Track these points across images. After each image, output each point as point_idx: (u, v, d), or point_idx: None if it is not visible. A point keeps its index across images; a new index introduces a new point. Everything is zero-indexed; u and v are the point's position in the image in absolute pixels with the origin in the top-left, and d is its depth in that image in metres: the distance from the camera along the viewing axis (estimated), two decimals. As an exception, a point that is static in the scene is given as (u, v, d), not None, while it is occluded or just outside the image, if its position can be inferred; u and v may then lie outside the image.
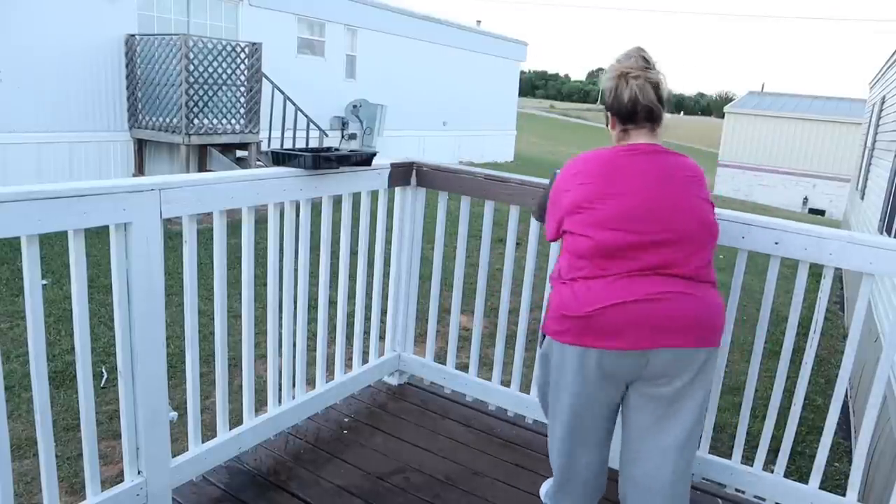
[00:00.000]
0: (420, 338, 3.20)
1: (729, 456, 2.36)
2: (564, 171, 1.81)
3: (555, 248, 2.56)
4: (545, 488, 2.21)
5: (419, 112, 16.50)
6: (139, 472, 1.94)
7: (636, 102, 1.71)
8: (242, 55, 9.47)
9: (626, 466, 1.86)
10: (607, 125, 1.82)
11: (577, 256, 1.73)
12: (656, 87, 1.72)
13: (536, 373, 1.97)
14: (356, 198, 2.61)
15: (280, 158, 2.26)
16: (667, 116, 1.77)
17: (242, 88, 9.63)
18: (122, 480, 1.93)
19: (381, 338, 2.99)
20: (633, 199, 1.68)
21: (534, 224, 2.57)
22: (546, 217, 1.89)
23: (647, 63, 1.73)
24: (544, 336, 1.85)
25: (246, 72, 9.57)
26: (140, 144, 10.01)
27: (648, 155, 1.73)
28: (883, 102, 10.73)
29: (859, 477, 2.13)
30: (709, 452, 2.38)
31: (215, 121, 9.37)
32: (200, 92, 8.96)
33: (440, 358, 3.01)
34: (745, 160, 25.39)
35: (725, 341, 2.18)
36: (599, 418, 1.82)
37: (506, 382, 2.80)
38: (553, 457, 1.94)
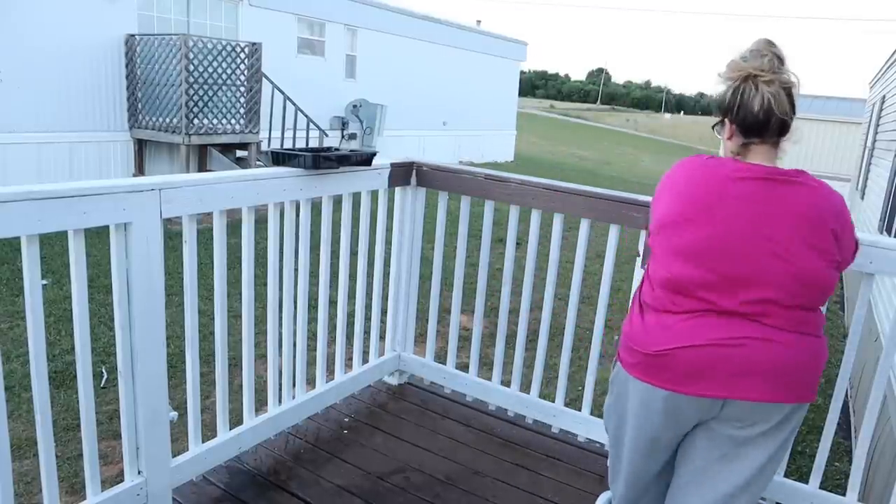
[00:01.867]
0: (420, 338, 3.20)
1: (729, 456, 2.35)
2: (666, 174, 1.59)
3: (555, 247, 2.57)
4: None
5: (419, 112, 16.50)
6: (139, 472, 1.94)
7: (770, 113, 1.44)
8: (242, 55, 9.47)
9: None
10: (719, 132, 1.57)
11: (653, 284, 1.56)
12: (790, 93, 1.45)
13: (609, 399, 1.77)
14: (356, 198, 2.61)
15: (280, 158, 2.26)
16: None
17: (242, 88, 9.63)
18: (122, 480, 1.93)
19: (382, 338, 2.99)
20: (724, 231, 1.43)
21: (534, 224, 2.57)
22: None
23: (780, 63, 1.45)
24: (617, 360, 1.68)
25: (246, 72, 9.57)
26: (140, 144, 10.01)
27: (762, 182, 1.45)
28: (883, 102, 10.73)
29: (859, 477, 2.13)
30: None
31: (215, 121, 9.37)
32: (200, 92, 8.96)
33: (440, 358, 3.01)
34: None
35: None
36: (664, 452, 1.65)
37: (506, 382, 2.80)
38: (618, 487, 1.78)
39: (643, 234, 2.32)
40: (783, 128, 1.47)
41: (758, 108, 1.44)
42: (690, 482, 1.62)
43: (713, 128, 1.59)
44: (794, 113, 1.46)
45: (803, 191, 1.45)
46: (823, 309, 1.61)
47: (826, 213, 1.45)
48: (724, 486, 1.57)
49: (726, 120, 1.52)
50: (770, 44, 1.48)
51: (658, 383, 1.52)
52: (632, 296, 1.73)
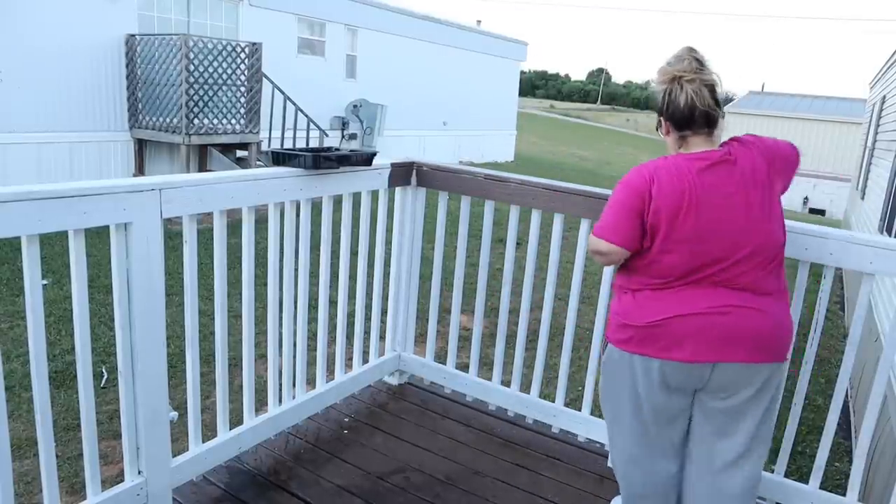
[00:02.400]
0: (420, 338, 3.20)
1: (729, 456, 2.35)
2: (639, 177, 1.69)
3: (555, 247, 2.57)
4: None
5: (419, 112, 16.50)
6: (139, 472, 1.94)
7: (693, 108, 1.64)
8: (242, 55, 9.47)
9: (687, 488, 1.81)
10: (658, 130, 1.76)
11: (648, 273, 1.70)
12: (712, 89, 1.65)
13: (601, 382, 1.89)
14: (356, 198, 2.61)
15: (280, 158, 2.26)
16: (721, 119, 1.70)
17: (242, 88, 9.63)
18: (122, 480, 1.93)
19: (382, 338, 2.99)
20: (708, 218, 1.61)
21: (534, 224, 2.57)
22: (610, 218, 1.73)
23: (700, 64, 1.65)
24: (606, 344, 1.82)
25: (246, 72, 9.57)
26: (140, 144, 10.01)
27: (721, 165, 1.64)
28: (883, 102, 10.73)
29: (859, 477, 2.13)
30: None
31: (215, 121, 9.37)
32: (200, 92, 8.96)
33: (440, 358, 3.01)
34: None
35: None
36: (666, 427, 1.77)
37: (506, 382, 2.80)
38: (620, 469, 1.89)
39: None
40: (709, 119, 1.66)
41: (683, 104, 1.64)
42: (695, 462, 1.78)
43: (657, 129, 1.78)
44: (718, 106, 1.66)
45: (751, 153, 1.66)
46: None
47: (776, 157, 1.68)
48: (725, 456, 1.72)
49: (662, 119, 1.72)
50: (691, 50, 1.68)
51: (650, 352, 1.68)
52: (612, 283, 1.89)
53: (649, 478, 1.82)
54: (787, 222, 2.08)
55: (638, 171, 1.70)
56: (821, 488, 2.18)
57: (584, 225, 2.46)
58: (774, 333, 1.67)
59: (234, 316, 2.25)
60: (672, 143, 1.73)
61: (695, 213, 1.61)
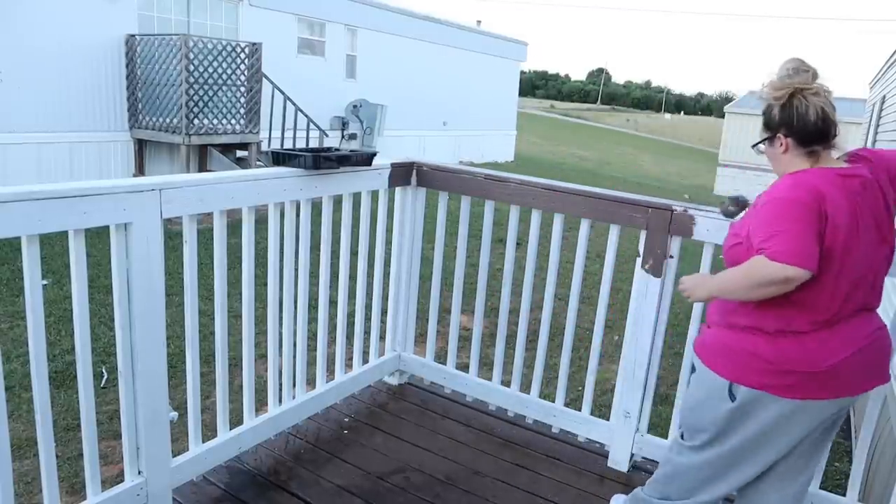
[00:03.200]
0: (420, 338, 3.20)
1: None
2: (808, 194, 1.53)
3: (555, 247, 2.56)
4: None
5: (419, 112, 16.50)
6: (139, 472, 1.94)
7: (827, 120, 1.58)
8: (242, 55, 9.47)
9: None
10: (763, 149, 1.69)
11: (816, 307, 1.58)
12: (831, 101, 1.60)
13: (720, 427, 1.73)
14: (356, 198, 2.61)
15: (280, 158, 2.27)
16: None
17: (242, 88, 9.63)
18: (122, 480, 1.93)
19: (382, 338, 2.99)
20: (865, 239, 1.57)
21: (534, 224, 2.57)
22: (794, 240, 1.50)
23: (817, 78, 1.59)
24: (735, 390, 1.66)
25: (246, 72, 9.57)
26: (140, 144, 10.01)
27: (870, 183, 1.59)
28: (883, 102, 10.74)
29: (859, 477, 2.13)
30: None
31: (215, 121, 9.37)
32: (200, 92, 8.96)
33: (440, 358, 3.01)
34: (745, 160, 25.36)
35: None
36: (771, 455, 1.73)
37: (506, 382, 2.80)
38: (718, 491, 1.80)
39: (643, 234, 2.32)
40: (836, 133, 1.61)
41: (815, 118, 1.57)
42: (777, 476, 1.76)
43: (754, 146, 1.68)
44: (836, 125, 1.61)
45: (868, 169, 1.62)
46: None
47: (886, 184, 1.63)
48: (805, 476, 1.77)
49: (780, 135, 1.63)
50: (803, 62, 1.60)
51: (820, 394, 1.60)
52: (728, 322, 1.72)
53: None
54: None
55: (800, 186, 1.55)
56: (821, 488, 2.18)
57: (584, 225, 2.46)
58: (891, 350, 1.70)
59: (234, 316, 2.25)
60: (792, 160, 1.62)
61: (861, 233, 1.55)
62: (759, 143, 1.68)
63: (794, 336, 1.60)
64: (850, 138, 1.70)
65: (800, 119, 1.58)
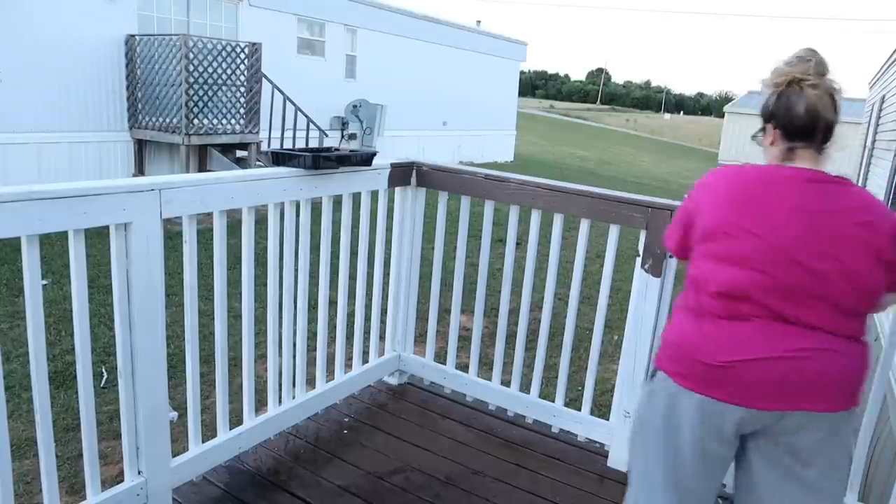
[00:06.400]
0: (420, 338, 3.20)
1: (729, 456, 2.35)
2: (700, 182, 1.56)
3: (555, 247, 2.57)
4: None
5: (419, 112, 16.50)
6: (139, 472, 1.94)
7: (815, 116, 1.44)
8: (242, 55, 9.47)
9: None
10: (756, 138, 1.57)
11: (705, 292, 1.50)
12: (834, 98, 1.44)
13: (639, 410, 1.66)
14: (356, 198, 2.61)
15: (280, 158, 2.26)
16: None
17: (242, 88, 9.63)
18: (122, 480, 1.93)
19: (382, 338, 2.99)
20: (778, 236, 1.42)
21: (534, 224, 2.57)
22: (670, 225, 1.60)
23: (824, 69, 1.45)
24: (655, 371, 1.60)
25: (246, 72, 9.57)
26: (140, 145, 10.01)
27: (812, 184, 1.44)
28: (882, 102, 10.74)
29: (859, 477, 2.13)
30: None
31: (215, 121, 9.37)
32: (200, 92, 8.96)
33: (440, 358, 3.01)
34: (745, 159, 25.33)
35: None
36: (706, 477, 1.56)
37: (506, 382, 2.80)
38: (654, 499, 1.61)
39: (643, 234, 2.32)
40: (827, 132, 1.46)
41: (803, 111, 1.44)
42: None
43: (753, 137, 1.57)
44: (837, 118, 1.45)
45: (853, 193, 1.45)
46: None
47: (879, 217, 1.43)
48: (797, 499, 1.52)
49: (769, 125, 1.51)
50: (814, 51, 1.47)
51: (720, 396, 1.46)
52: (672, 303, 1.67)
53: None
54: None
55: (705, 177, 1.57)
56: (821, 488, 2.17)
57: (584, 225, 2.46)
58: (851, 380, 1.49)
59: (234, 316, 2.25)
60: (775, 153, 1.52)
61: (762, 228, 1.47)
62: (756, 133, 1.57)
63: (694, 317, 1.53)
64: (846, 142, 1.57)
65: (787, 110, 1.46)
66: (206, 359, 2.15)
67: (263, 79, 9.78)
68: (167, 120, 9.28)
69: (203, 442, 2.17)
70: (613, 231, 2.43)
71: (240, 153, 10.14)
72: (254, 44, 9.58)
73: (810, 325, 1.43)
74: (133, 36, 9.56)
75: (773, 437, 1.49)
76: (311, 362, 2.58)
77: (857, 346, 1.48)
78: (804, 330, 1.43)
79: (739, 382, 1.44)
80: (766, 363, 1.43)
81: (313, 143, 11.30)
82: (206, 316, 2.14)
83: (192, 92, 8.83)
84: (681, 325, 1.56)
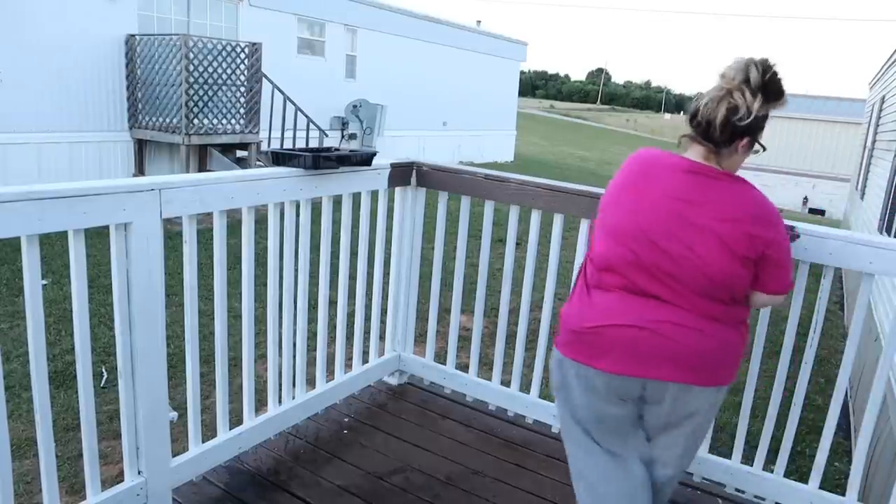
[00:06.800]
0: (420, 338, 3.20)
1: (729, 456, 2.36)
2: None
3: (555, 247, 2.57)
4: None
5: (419, 112, 16.50)
6: (139, 472, 1.94)
7: (707, 117, 1.55)
8: (242, 55, 9.47)
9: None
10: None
11: (592, 264, 1.67)
12: (733, 110, 1.51)
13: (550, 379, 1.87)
14: (356, 198, 2.61)
15: (280, 158, 2.26)
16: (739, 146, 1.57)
17: (242, 88, 9.63)
18: (122, 480, 1.93)
19: (381, 338, 2.99)
20: (645, 216, 1.55)
21: (534, 224, 2.57)
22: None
23: (746, 84, 1.51)
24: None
25: (246, 72, 9.57)
26: (140, 144, 10.01)
27: (689, 175, 1.56)
28: (883, 102, 10.73)
29: (859, 477, 2.13)
30: (709, 452, 2.38)
31: (215, 121, 9.37)
32: (200, 92, 8.96)
33: (440, 358, 3.01)
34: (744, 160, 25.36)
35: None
36: (609, 431, 1.72)
37: (506, 382, 2.80)
38: (574, 480, 1.82)
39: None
40: (722, 134, 1.54)
41: (696, 107, 1.57)
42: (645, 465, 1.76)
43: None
44: (725, 130, 1.53)
45: (727, 189, 1.55)
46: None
47: (743, 215, 1.53)
48: (660, 468, 1.74)
49: None
50: (746, 66, 1.52)
51: (584, 360, 1.64)
52: (574, 279, 1.82)
53: (596, 482, 1.80)
54: (789, 221, 2.07)
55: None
56: (820, 488, 2.18)
57: (584, 225, 2.46)
58: (712, 356, 1.63)
59: (234, 316, 2.25)
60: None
61: (636, 206, 1.63)
62: None
63: (578, 290, 1.71)
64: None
65: (693, 104, 1.60)
66: (206, 359, 2.15)
67: (263, 79, 9.78)
68: (167, 120, 9.28)
69: (203, 442, 2.17)
70: (613, 231, 2.42)
71: (240, 153, 10.14)
72: (254, 44, 9.58)
73: (668, 300, 1.57)
74: (133, 36, 9.56)
75: (646, 407, 1.67)
76: (311, 362, 2.58)
77: (719, 328, 1.58)
78: (660, 304, 1.57)
79: (595, 346, 1.62)
80: (618, 329, 1.59)
81: (313, 143, 11.30)
82: (206, 316, 2.14)
83: (192, 92, 8.83)
84: (571, 298, 1.73)
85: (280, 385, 2.45)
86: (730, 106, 1.51)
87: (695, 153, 1.60)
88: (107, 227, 1.72)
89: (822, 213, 23.50)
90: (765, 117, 1.56)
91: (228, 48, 9.27)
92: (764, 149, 1.64)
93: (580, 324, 1.65)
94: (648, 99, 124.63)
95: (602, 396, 1.67)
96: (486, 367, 3.24)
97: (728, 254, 1.52)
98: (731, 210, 1.53)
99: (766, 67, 1.52)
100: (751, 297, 1.64)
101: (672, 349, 1.57)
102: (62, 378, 4.39)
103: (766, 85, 1.51)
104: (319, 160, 2.26)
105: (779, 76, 1.54)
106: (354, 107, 13.89)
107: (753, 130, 1.56)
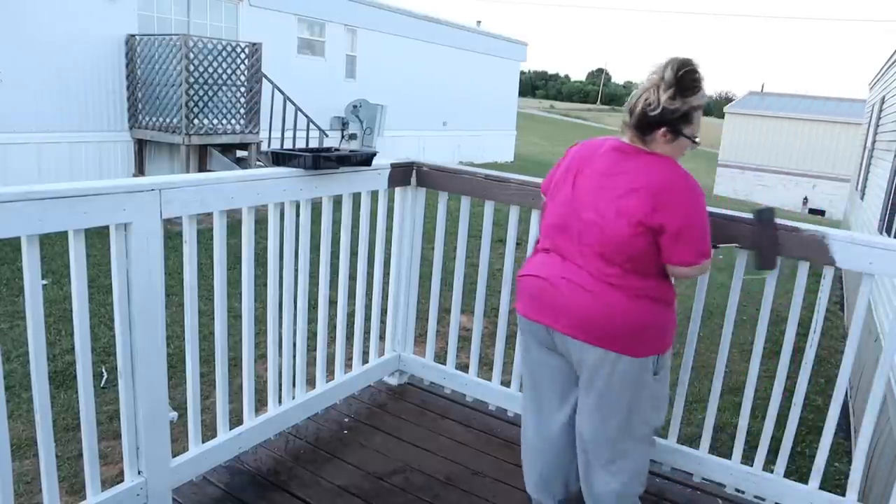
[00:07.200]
0: (420, 338, 3.20)
1: (729, 456, 2.36)
2: (572, 148, 1.95)
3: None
4: None
5: (419, 112, 16.50)
6: (139, 472, 1.94)
7: (632, 104, 1.77)
8: (242, 55, 9.47)
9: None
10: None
11: (540, 228, 1.97)
12: (646, 102, 1.72)
13: None
14: (356, 198, 2.61)
15: (280, 158, 2.26)
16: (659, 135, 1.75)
17: (242, 88, 9.63)
18: (122, 480, 1.93)
19: (381, 338, 2.99)
20: (578, 192, 1.80)
21: (534, 223, 2.57)
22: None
23: (669, 81, 1.69)
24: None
25: (246, 72, 9.57)
26: (140, 144, 10.01)
27: (613, 152, 1.80)
28: (883, 103, 10.73)
29: (859, 477, 2.13)
30: (709, 452, 2.38)
31: (215, 121, 9.37)
32: (200, 92, 8.96)
33: (440, 358, 3.01)
34: (745, 160, 25.39)
35: (719, 343, 2.18)
36: (543, 380, 1.97)
37: (506, 382, 2.80)
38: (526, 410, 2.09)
39: None
40: (637, 122, 1.75)
41: (632, 99, 1.77)
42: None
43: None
44: (641, 119, 1.73)
45: (644, 163, 1.74)
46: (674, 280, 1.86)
47: (649, 185, 1.71)
48: (580, 423, 1.91)
49: None
50: (670, 63, 1.70)
51: (517, 305, 1.96)
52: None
53: (526, 432, 2.11)
54: (787, 221, 2.08)
55: None
56: (820, 488, 2.18)
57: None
58: (601, 319, 1.77)
59: (234, 316, 2.25)
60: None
61: (577, 182, 1.87)
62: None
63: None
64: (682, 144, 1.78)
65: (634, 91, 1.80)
66: (206, 359, 2.15)
67: (263, 79, 9.78)
68: (167, 120, 9.28)
69: (203, 442, 2.17)
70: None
71: (240, 153, 10.14)
72: (254, 44, 9.58)
73: (574, 261, 1.80)
74: (133, 36, 9.56)
75: (566, 357, 1.88)
76: (311, 362, 2.58)
77: (611, 293, 1.75)
78: (567, 263, 1.81)
79: (519, 292, 1.95)
80: (529, 279, 1.90)
81: (313, 144, 11.30)
82: (206, 316, 2.14)
83: (192, 92, 8.83)
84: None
85: (280, 385, 2.45)
86: (646, 99, 1.72)
87: (626, 137, 1.81)
88: (107, 227, 1.72)
89: (822, 213, 23.50)
90: (678, 111, 1.70)
91: (228, 48, 9.28)
92: (695, 142, 1.79)
93: (518, 274, 1.97)
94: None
95: (530, 339, 1.95)
96: (486, 367, 3.24)
97: (625, 219, 1.70)
98: (638, 181, 1.72)
99: (680, 65, 1.68)
100: (667, 269, 1.79)
101: (563, 303, 1.80)
102: (62, 378, 4.39)
103: (678, 81, 1.68)
104: (319, 160, 2.26)
105: (694, 73, 1.69)
106: (354, 107, 13.88)
107: (669, 122, 1.71)
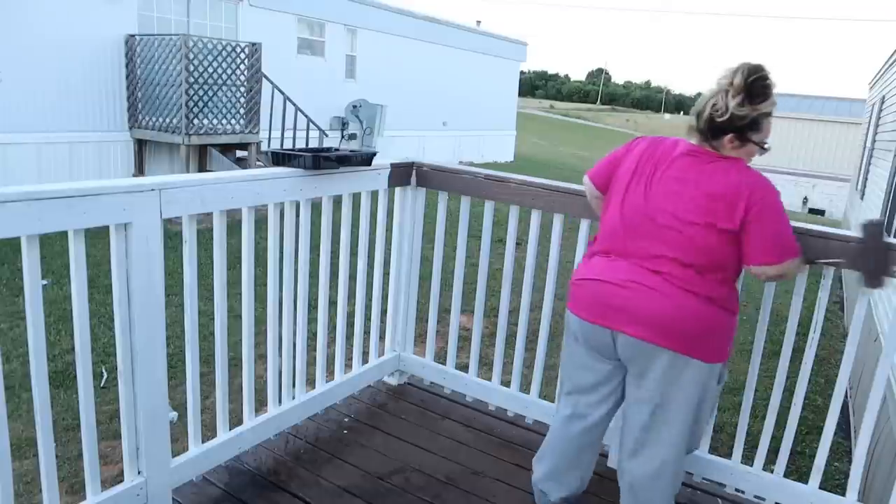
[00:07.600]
0: (420, 338, 3.20)
1: (729, 456, 2.36)
2: (635, 142, 1.95)
3: (555, 247, 2.57)
4: None
5: (419, 112, 16.50)
6: (139, 472, 1.94)
7: (699, 110, 1.78)
8: (242, 55, 9.47)
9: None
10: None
11: (602, 230, 1.92)
12: (715, 108, 1.72)
13: None
14: (356, 198, 2.61)
15: (280, 158, 2.26)
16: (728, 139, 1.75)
17: (242, 88, 9.63)
18: (122, 480, 1.93)
19: (381, 338, 2.99)
20: (650, 197, 1.78)
21: (534, 224, 2.57)
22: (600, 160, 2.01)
23: (738, 87, 1.70)
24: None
25: (246, 72, 9.57)
26: (140, 145, 10.01)
27: (687, 156, 1.79)
28: (882, 102, 10.73)
29: (859, 477, 2.13)
30: (709, 452, 2.38)
31: (215, 121, 9.37)
32: (200, 92, 8.96)
33: (440, 358, 3.01)
34: (745, 160, 25.35)
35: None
36: (586, 385, 1.97)
37: (506, 382, 2.80)
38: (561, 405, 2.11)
39: None
40: (702, 129, 1.77)
41: (697, 106, 1.79)
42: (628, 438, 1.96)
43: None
44: (708, 124, 1.75)
45: (720, 168, 1.74)
46: (739, 286, 1.90)
47: (726, 190, 1.71)
48: (631, 432, 1.92)
49: None
50: (734, 72, 1.71)
51: (572, 307, 1.91)
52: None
53: (559, 429, 2.10)
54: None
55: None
56: (820, 488, 2.18)
57: (584, 225, 2.46)
58: (675, 321, 1.76)
59: (234, 316, 2.25)
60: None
61: (651, 185, 1.86)
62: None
63: (586, 255, 1.96)
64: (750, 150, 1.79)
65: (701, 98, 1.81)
66: (206, 359, 2.15)
67: (263, 79, 9.78)
68: (167, 120, 9.28)
69: (203, 442, 2.17)
70: (613, 231, 2.42)
71: (240, 153, 10.13)
72: (254, 44, 9.58)
73: (647, 266, 1.77)
74: (133, 36, 9.56)
75: (626, 362, 1.85)
76: (310, 362, 2.58)
77: (690, 299, 1.74)
78: (639, 268, 1.78)
79: (578, 297, 1.89)
80: (595, 283, 1.84)
81: (313, 144, 11.29)
82: (206, 316, 2.14)
83: (192, 92, 8.83)
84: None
85: (280, 385, 2.45)
86: (714, 104, 1.72)
87: (695, 140, 1.82)
88: (107, 227, 1.72)
89: (822, 213, 23.49)
90: (747, 117, 1.70)
91: (228, 48, 9.27)
92: (764, 148, 1.76)
93: (574, 278, 1.93)
94: (648, 99, 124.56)
95: (581, 344, 1.92)
96: (486, 367, 3.24)
97: (703, 224, 1.70)
98: (714, 185, 1.71)
99: (751, 71, 1.68)
100: (758, 271, 1.77)
101: (634, 305, 1.76)
102: (62, 378, 4.39)
103: (748, 87, 1.67)
104: (319, 160, 2.26)
105: (765, 80, 1.69)
106: (354, 107, 13.88)
107: (737, 128, 1.71)
